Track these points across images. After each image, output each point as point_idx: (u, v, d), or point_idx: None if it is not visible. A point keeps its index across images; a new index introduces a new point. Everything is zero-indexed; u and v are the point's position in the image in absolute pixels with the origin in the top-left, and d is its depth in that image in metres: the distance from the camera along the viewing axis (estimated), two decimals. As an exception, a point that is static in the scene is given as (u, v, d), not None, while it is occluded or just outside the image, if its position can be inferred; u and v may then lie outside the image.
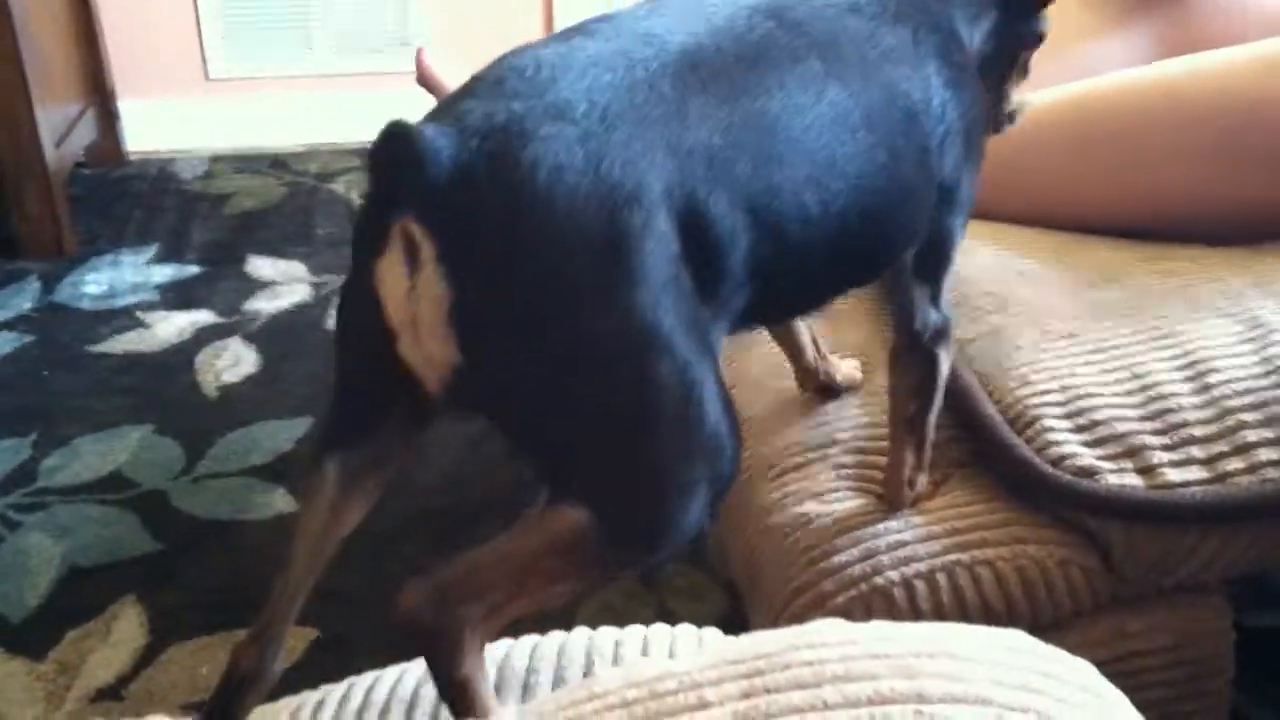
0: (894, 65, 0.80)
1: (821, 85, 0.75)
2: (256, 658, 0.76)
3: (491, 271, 0.62)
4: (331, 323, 2.31)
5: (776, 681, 0.45)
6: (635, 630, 0.74)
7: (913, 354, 0.94)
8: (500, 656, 0.78)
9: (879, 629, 0.50)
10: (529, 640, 0.79)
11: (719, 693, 0.44)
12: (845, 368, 1.11)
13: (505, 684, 0.73)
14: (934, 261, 0.90)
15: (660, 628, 0.77)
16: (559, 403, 0.64)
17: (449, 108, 0.66)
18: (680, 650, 0.74)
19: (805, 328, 1.08)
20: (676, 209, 0.65)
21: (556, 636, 0.79)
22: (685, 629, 0.78)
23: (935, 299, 0.92)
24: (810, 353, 1.08)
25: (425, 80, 1.44)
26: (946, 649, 0.48)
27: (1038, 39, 0.98)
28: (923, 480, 0.99)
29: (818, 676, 0.45)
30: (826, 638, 0.48)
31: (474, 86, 0.67)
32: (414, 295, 0.63)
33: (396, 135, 0.61)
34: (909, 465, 0.97)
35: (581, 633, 0.79)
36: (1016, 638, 0.53)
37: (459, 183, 0.61)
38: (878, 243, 0.83)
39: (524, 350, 0.63)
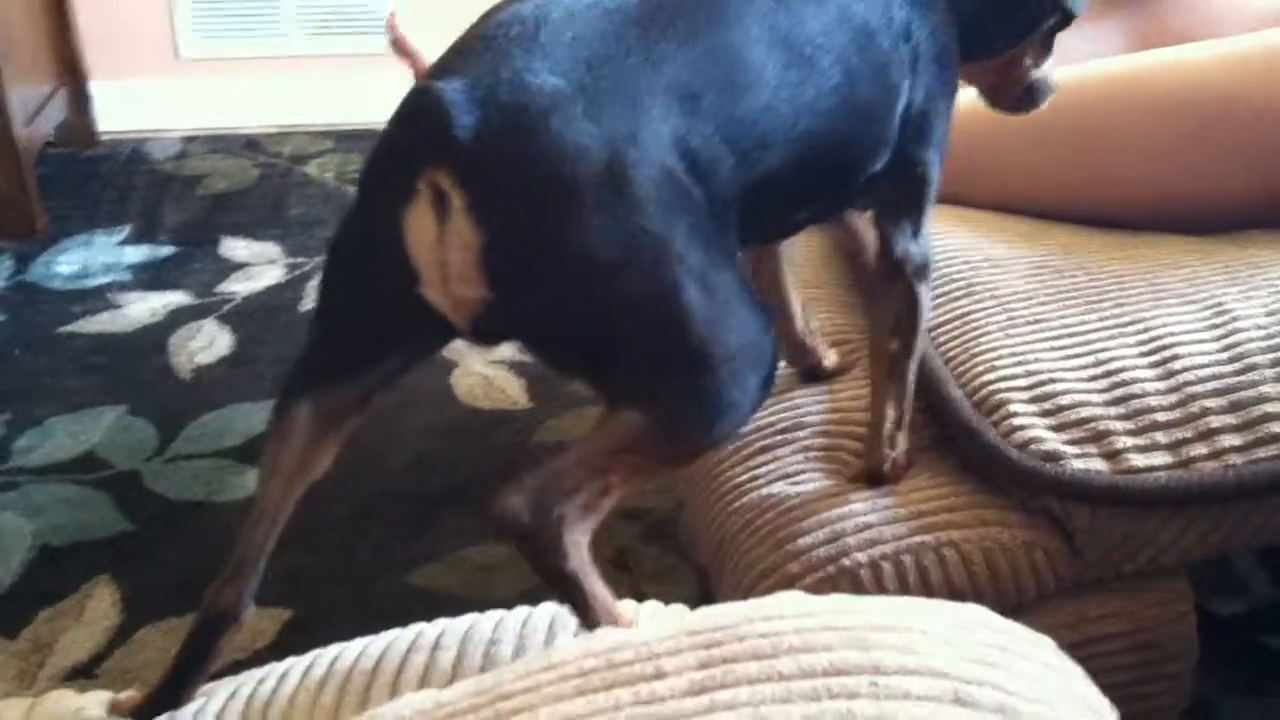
0: None
1: (773, 15, 0.80)
2: (233, 597, 0.79)
3: (517, 214, 0.68)
4: (306, 304, 2.32)
5: (733, 652, 0.45)
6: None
7: (891, 286, 0.96)
8: (464, 628, 0.78)
9: (837, 602, 0.51)
10: (494, 614, 0.80)
11: (676, 662, 0.45)
12: (833, 354, 1.13)
13: (466, 655, 0.74)
14: (911, 193, 0.93)
15: (626, 602, 0.78)
16: (590, 320, 0.70)
17: (453, 65, 0.72)
18: (644, 622, 0.75)
19: (797, 299, 1.10)
20: (670, 142, 0.71)
21: (521, 611, 0.80)
22: (651, 604, 0.78)
23: (915, 233, 0.94)
24: (800, 324, 1.10)
25: (398, 45, 1.44)
26: (903, 622, 0.49)
27: (1064, 16, 0.98)
28: (902, 442, 0.99)
29: (774, 647, 0.46)
30: (784, 610, 0.49)
31: (469, 44, 0.73)
32: (443, 241, 0.68)
33: (425, 95, 0.68)
34: (890, 420, 0.98)
35: (546, 608, 0.79)
36: (975, 612, 0.54)
37: (481, 138, 0.67)
38: (843, 159, 0.87)
39: (551, 278, 0.69)
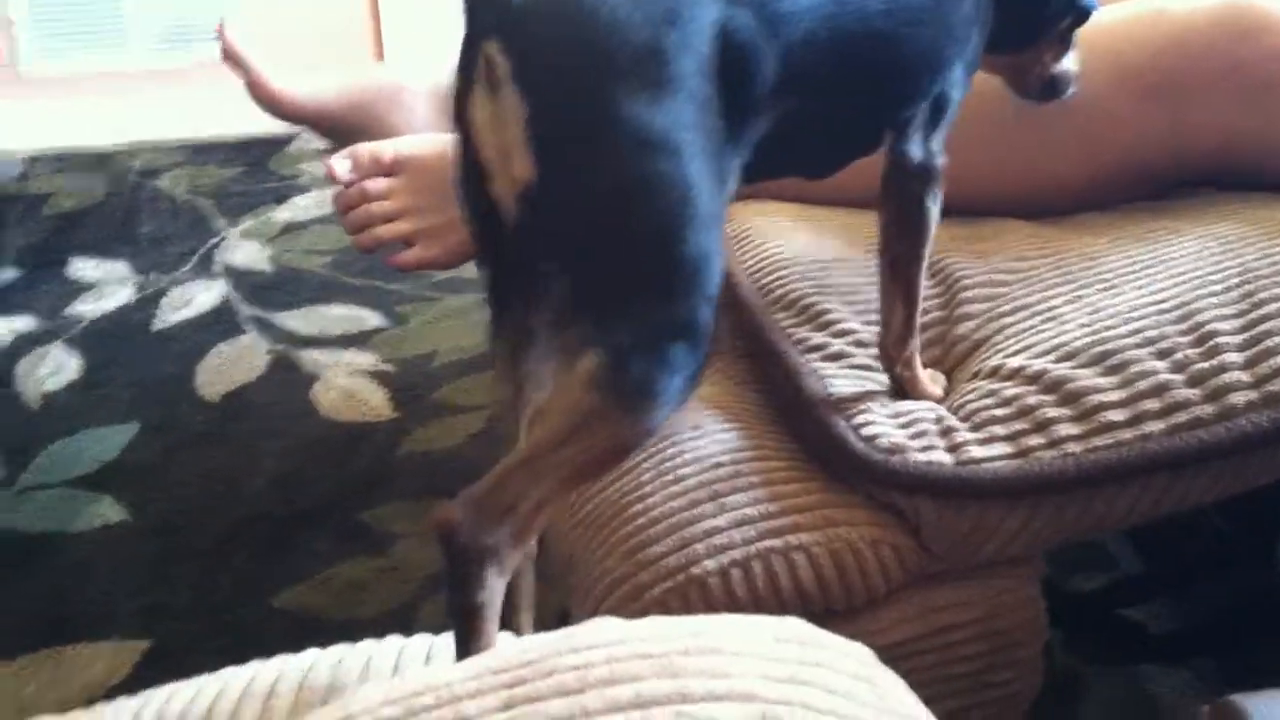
0: None
1: None
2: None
3: (557, 83, 0.70)
4: (159, 323, 2.26)
5: (539, 690, 0.44)
6: (421, 640, 0.72)
7: (897, 191, 0.98)
8: (335, 660, 0.74)
9: (650, 626, 0.50)
10: (368, 645, 0.75)
11: (479, 705, 0.44)
12: None
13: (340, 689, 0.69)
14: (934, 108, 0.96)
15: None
16: (599, 205, 0.70)
17: None
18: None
19: None
20: (711, 34, 0.73)
21: (394, 641, 0.75)
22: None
23: (926, 140, 0.96)
24: None
25: (229, 54, 1.41)
26: (714, 644, 0.48)
27: (1079, 14, 1.04)
28: (915, 348, 1.02)
29: (581, 681, 0.45)
30: (593, 639, 0.48)
31: None
32: (498, 118, 0.70)
33: None
34: (898, 320, 1.01)
35: (420, 640, 0.75)
36: (791, 627, 0.53)
37: (527, 8, 0.70)
38: (889, 74, 0.89)
39: (581, 153, 0.70)
